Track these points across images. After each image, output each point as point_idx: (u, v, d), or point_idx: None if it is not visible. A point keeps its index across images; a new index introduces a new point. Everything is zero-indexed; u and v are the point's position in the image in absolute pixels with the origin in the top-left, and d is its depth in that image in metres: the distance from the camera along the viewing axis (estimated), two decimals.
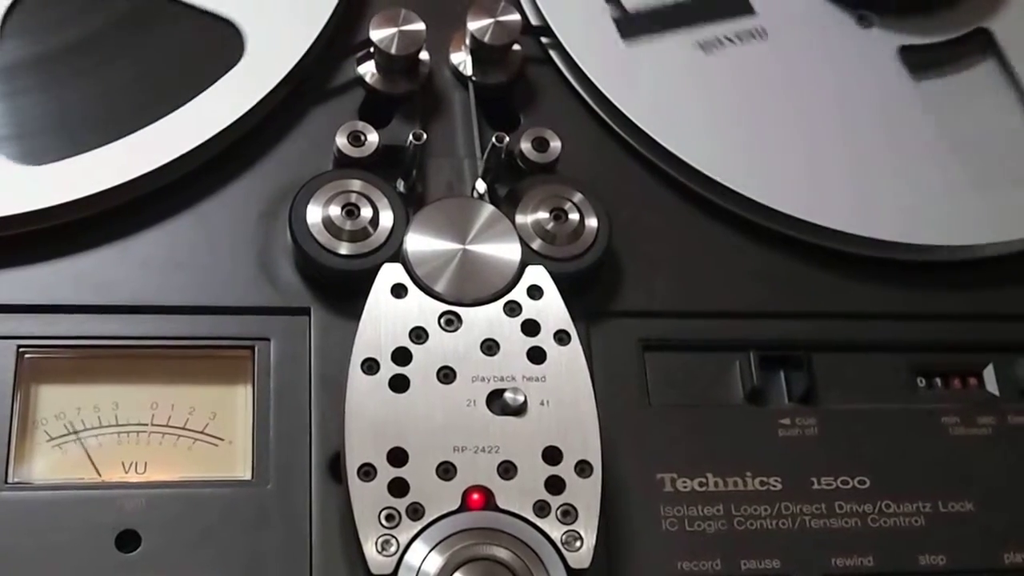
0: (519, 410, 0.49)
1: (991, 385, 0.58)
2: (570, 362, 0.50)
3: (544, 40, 0.61)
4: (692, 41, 0.62)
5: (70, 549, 0.47)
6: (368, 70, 0.58)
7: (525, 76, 0.60)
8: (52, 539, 0.47)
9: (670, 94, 0.60)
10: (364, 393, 0.49)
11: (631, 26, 0.61)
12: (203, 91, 0.55)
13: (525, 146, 0.55)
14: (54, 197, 0.52)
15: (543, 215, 0.54)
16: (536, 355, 0.50)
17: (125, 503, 0.48)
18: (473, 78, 0.59)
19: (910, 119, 0.62)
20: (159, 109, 0.54)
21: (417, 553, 0.46)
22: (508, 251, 0.52)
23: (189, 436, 0.51)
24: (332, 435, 0.50)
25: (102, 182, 0.52)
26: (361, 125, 0.54)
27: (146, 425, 0.51)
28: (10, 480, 0.48)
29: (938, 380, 0.58)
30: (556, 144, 0.55)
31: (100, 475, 0.50)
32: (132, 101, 0.55)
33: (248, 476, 0.50)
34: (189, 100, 0.55)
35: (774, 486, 0.53)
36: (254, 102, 0.55)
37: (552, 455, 0.49)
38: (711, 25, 0.62)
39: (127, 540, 0.48)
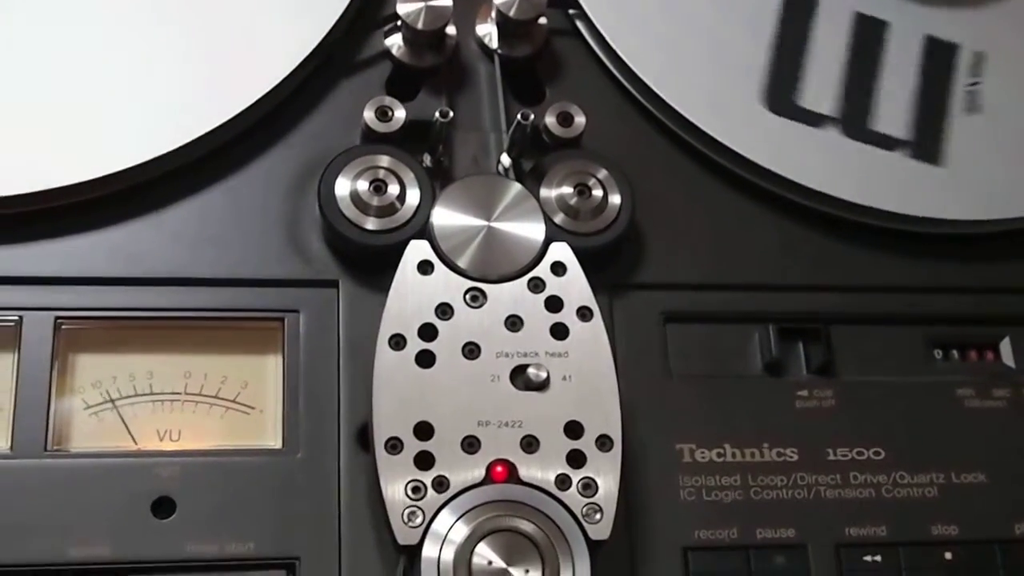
0: (542, 385, 0.50)
1: (1007, 358, 0.58)
2: (592, 338, 0.51)
3: (571, 12, 0.61)
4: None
5: (107, 515, 0.49)
6: (395, 43, 0.59)
7: (551, 49, 0.60)
8: (90, 505, 0.49)
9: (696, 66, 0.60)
10: (391, 368, 0.50)
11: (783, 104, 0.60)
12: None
13: (550, 120, 0.56)
14: (88, 171, 0.52)
15: (567, 190, 0.54)
16: (559, 331, 0.51)
17: (161, 471, 0.50)
18: (499, 51, 0.59)
19: None
20: None
21: (443, 523, 0.48)
22: (533, 229, 0.53)
23: (221, 404, 0.52)
24: (360, 405, 0.51)
25: (134, 157, 0.53)
26: (388, 100, 0.55)
27: (180, 394, 0.52)
28: (49, 448, 0.50)
29: (955, 352, 0.58)
30: (581, 119, 0.56)
31: (136, 443, 0.51)
32: None
33: (279, 445, 0.51)
34: None
35: (790, 456, 0.54)
36: (283, 76, 0.56)
37: (574, 429, 0.50)
38: None
39: (163, 506, 0.49)
